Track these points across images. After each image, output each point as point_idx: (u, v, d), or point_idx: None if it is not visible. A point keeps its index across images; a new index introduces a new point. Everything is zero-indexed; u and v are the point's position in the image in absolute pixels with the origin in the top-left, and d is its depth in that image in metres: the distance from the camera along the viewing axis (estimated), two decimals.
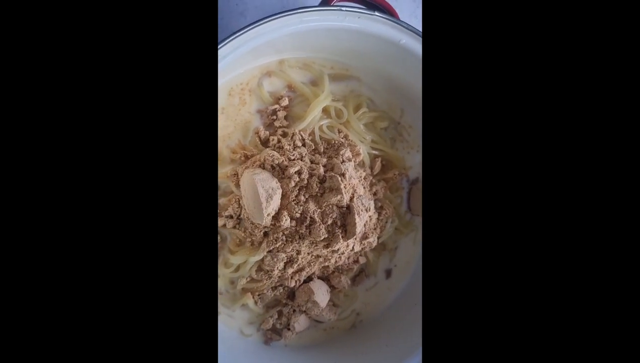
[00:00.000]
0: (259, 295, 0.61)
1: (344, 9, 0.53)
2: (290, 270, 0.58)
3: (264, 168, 0.56)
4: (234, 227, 0.58)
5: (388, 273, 0.67)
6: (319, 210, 0.55)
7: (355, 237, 0.56)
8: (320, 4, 0.58)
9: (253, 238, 0.57)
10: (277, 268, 0.57)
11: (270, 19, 0.50)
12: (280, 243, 0.56)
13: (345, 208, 0.56)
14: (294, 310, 0.62)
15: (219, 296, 0.60)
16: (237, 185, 0.57)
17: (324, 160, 0.58)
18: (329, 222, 0.55)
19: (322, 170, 0.56)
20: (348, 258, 0.62)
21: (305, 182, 0.55)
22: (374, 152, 0.64)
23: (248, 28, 0.50)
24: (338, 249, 0.57)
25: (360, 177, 0.60)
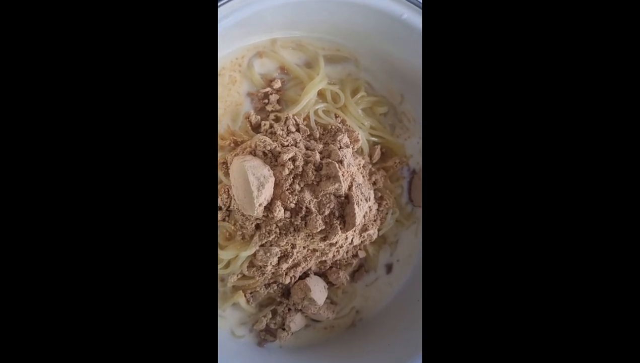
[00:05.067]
0: (251, 293, 0.59)
1: None
2: (284, 266, 0.57)
3: (255, 155, 0.55)
4: (223, 220, 0.57)
5: (389, 268, 0.66)
6: (315, 199, 0.54)
7: (354, 228, 0.55)
8: None
9: (244, 231, 0.56)
10: (271, 263, 0.56)
11: None
12: (273, 236, 0.54)
13: (343, 198, 0.55)
14: (289, 309, 0.61)
15: None
16: (227, 173, 0.56)
17: (320, 146, 0.57)
18: (326, 212, 0.54)
19: (318, 156, 0.55)
20: (347, 252, 0.61)
21: (300, 169, 0.54)
22: (372, 139, 0.63)
23: None
24: (336, 242, 0.56)
25: (359, 164, 0.59)
